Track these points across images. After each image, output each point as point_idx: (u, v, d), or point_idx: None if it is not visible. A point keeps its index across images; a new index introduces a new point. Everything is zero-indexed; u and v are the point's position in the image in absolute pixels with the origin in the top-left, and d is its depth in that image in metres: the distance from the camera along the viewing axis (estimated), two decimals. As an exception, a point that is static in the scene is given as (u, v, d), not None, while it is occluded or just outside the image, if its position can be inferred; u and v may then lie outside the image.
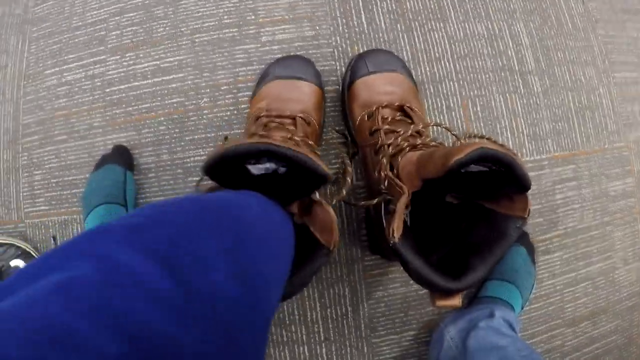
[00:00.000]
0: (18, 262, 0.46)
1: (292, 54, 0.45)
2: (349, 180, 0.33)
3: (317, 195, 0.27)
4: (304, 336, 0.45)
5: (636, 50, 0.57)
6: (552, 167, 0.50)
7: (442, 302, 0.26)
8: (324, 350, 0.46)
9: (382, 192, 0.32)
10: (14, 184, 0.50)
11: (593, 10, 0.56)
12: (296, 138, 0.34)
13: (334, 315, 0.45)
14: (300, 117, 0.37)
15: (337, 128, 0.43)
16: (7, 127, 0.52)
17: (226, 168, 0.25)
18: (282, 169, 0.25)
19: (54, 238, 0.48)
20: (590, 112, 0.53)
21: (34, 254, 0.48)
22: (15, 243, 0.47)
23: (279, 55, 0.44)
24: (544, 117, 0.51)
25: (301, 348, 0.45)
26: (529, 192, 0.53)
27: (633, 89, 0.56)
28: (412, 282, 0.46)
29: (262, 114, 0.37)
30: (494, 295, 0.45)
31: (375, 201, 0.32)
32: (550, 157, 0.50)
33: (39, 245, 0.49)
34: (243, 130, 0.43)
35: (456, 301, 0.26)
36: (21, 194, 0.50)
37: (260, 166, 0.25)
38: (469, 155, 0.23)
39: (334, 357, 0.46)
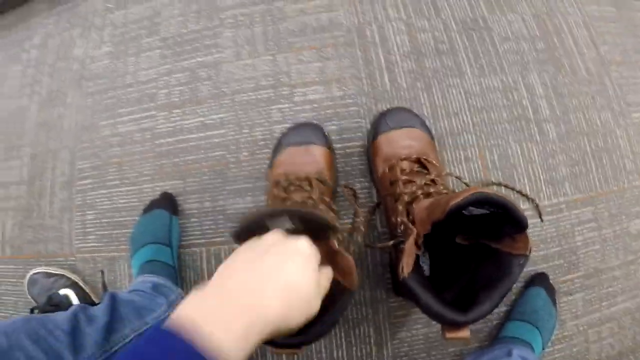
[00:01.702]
0: (67, 291, 0.53)
1: (301, 122, 0.51)
2: (359, 234, 0.37)
3: (336, 245, 0.33)
4: (332, 373, 0.50)
5: (652, 89, 0.61)
6: (570, 210, 0.54)
7: (451, 335, 0.29)
8: (350, 386, 0.50)
9: (398, 236, 0.36)
10: (67, 222, 0.58)
11: (606, 54, 0.61)
12: (314, 197, 0.40)
13: (359, 354, 0.50)
14: (315, 178, 0.42)
15: (346, 184, 0.49)
16: (64, 171, 0.61)
17: (251, 233, 0.30)
18: (299, 226, 0.30)
19: (102, 272, 0.56)
20: (607, 154, 0.57)
21: (81, 285, 0.54)
22: (66, 274, 0.54)
23: (311, 114, 0.51)
24: (561, 161, 0.55)
25: (330, 384, 0.50)
26: (549, 234, 0.57)
27: (651, 128, 0.59)
28: (434, 323, 0.51)
29: (281, 179, 0.43)
30: (513, 336, 0.48)
31: (391, 243, 0.36)
32: (568, 200, 0.54)
33: (87, 277, 0.56)
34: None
35: (465, 333, 0.29)
36: (74, 231, 0.57)
37: (280, 226, 0.30)
38: (465, 199, 0.27)
39: (361, 393, 0.50)
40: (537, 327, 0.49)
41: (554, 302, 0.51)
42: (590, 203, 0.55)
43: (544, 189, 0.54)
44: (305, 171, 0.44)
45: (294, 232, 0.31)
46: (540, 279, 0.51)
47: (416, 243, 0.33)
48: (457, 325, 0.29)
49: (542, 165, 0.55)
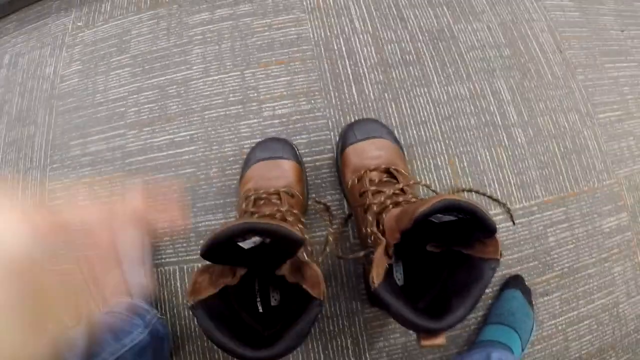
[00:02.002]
0: None
1: (269, 137, 0.52)
2: (327, 248, 0.38)
3: (304, 257, 0.33)
4: (312, 387, 0.50)
5: (617, 89, 0.62)
6: (542, 212, 0.55)
7: (427, 342, 0.30)
8: (331, 400, 0.50)
9: (369, 247, 0.37)
10: None
11: (571, 58, 0.63)
12: (282, 209, 0.40)
13: (340, 366, 0.51)
14: (283, 191, 0.43)
15: (317, 199, 0.51)
16: (34, 192, 0.60)
17: (219, 249, 0.30)
18: (267, 240, 0.31)
19: None
20: (576, 155, 0.58)
21: None
22: None
23: (280, 128, 0.52)
24: (530, 165, 0.57)
25: (310, 398, 0.50)
26: (522, 237, 0.58)
27: (618, 126, 0.61)
28: (411, 332, 0.51)
29: (250, 194, 0.43)
30: (491, 339, 0.49)
31: (362, 254, 0.37)
32: (540, 202, 0.56)
33: None
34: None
35: (440, 341, 0.29)
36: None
37: (248, 241, 0.31)
38: (432, 206, 0.28)
39: (342, 406, 0.50)
40: (514, 329, 0.49)
41: (530, 303, 0.52)
42: (562, 204, 0.56)
43: (514, 192, 0.55)
44: (275, 185, 0.45)
45: (263, 247, 0.31)
46: (515, 282, 0.52)
47: (387, 253, 0.33)
48: (432, 333, 0.30)
49: (512, 169, 0.56)
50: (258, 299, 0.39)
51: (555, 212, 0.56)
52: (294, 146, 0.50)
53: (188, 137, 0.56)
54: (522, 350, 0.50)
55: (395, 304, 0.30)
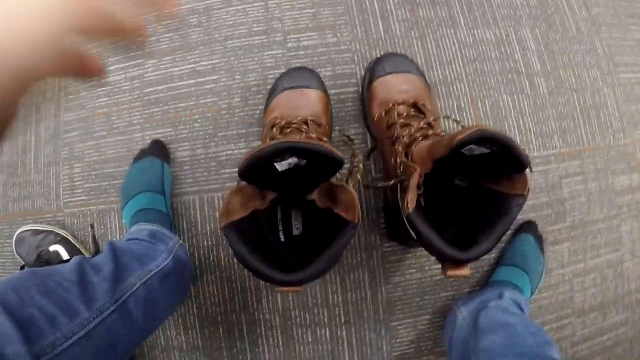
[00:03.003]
0: (57, 248, 0.52)
1: (296, 66, 0.52)
2: (359, 176, 0.38)
3: (338, 180, 0.33)
4: (326, 319, 0.52)
5: (641, 51, 0.64)
6: (558, 163, 0.57)
7: (452, 272, 0.30)
8: (344, 332, 0.52)
9: (399, 176, 0.37)
10: (54, 177, 0.57)
11: (597, 15, 0.63)
12: (313, 136, 0.41)
13: (354, 299, 0.52)
14: (311, 120, 0.43)
15: (341, 131, 0.51)
16: (49, 125, 0.59)
17: (257, 169, 0.30)
18: (303, 162, 0.31)
19: (92, 226, 0.55)
20: (595, 111, 0.59)
21: (72, 241, 0.54)
22: (55, 230, 0.54)
23: (304, 60, 0.52)
24: (550, 116, 0.57)
25: (323, 330, 0.52)
26: (538, 185, 0.59)
27: (638, 89, 0.62)
28: (427, 268, 0.53)
29: (277, 122, 0.43)
30: (504, 280, 0.51)
31: (392, 182, 0.37)
32: (557, 153, 0.57)
33: (77, 233, 0.55)
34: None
35: (466, 272, 0.30)
36: (61, 186, 0.56)
37: (284, 162, 0.30)
38: (470, 135, 0.28)
39: (354, 339, 0.52)
40: (526, 272, 0.51)
41: (542, 250, 0.53)
42: (578, 157, 0.57)
43: (533, 140, 0.56)
44: (302, 114, 0.45)
45: (297, 171, 0.32)
46: (528, 227, 0.54)
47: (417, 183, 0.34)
48: (458, 263, 0.30)
49: (533, 118, 0.57)
50: (281, 228, 0.39)
51: (572, 165, 0.57)
52: (320, 77, 0.50)
53: (210, 67, 0.56)
54: (532, 294, 0.52)
55: (427, 232, 0.31)
